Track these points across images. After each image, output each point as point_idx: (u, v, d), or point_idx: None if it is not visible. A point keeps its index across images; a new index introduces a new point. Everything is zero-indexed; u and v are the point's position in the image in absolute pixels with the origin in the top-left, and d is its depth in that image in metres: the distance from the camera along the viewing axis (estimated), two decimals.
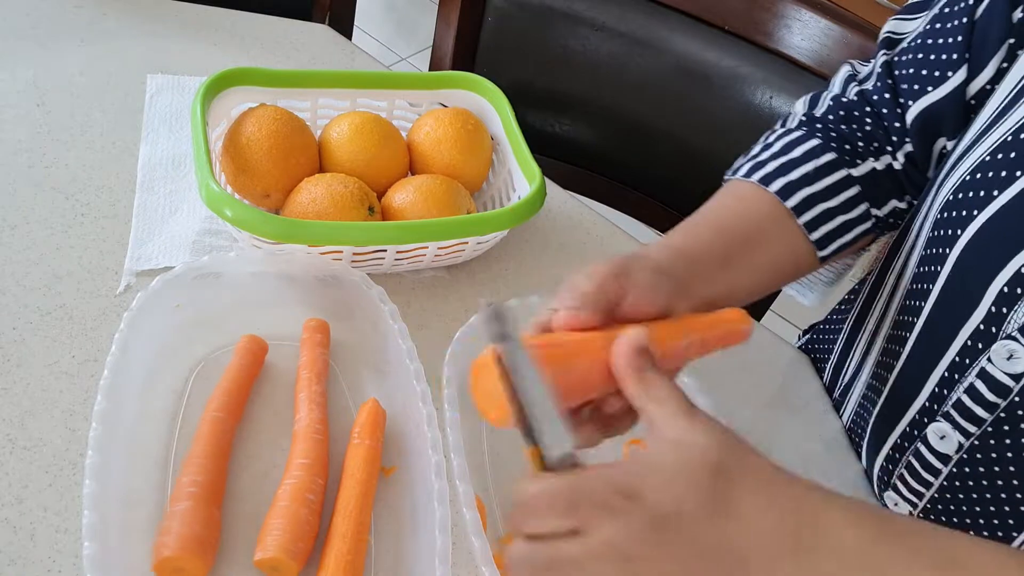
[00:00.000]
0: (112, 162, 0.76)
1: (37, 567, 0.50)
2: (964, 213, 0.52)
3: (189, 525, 0.50)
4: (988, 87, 0.57)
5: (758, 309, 1.04)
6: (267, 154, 0.70)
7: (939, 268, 0.54)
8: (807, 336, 0.83)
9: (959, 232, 0.52)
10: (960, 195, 0.52)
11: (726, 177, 0.64)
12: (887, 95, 0.61)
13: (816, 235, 0.60)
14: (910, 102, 0.60)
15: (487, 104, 0.82)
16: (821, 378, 0.76)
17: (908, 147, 0.62)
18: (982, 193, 0.50)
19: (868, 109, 0.63)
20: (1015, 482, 0.52)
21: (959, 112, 0.58)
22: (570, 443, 0.39)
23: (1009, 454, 0.51)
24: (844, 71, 0.67)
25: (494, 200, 0.82)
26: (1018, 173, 0.48)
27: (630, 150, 1.08)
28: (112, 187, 0.73)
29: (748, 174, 0.61)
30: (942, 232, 0.54)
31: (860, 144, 0.62)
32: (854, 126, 0.63)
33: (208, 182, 0.62)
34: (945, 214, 0.54)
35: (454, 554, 0.52)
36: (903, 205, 0.64)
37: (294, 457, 0.56)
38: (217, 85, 0.72)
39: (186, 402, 0.59)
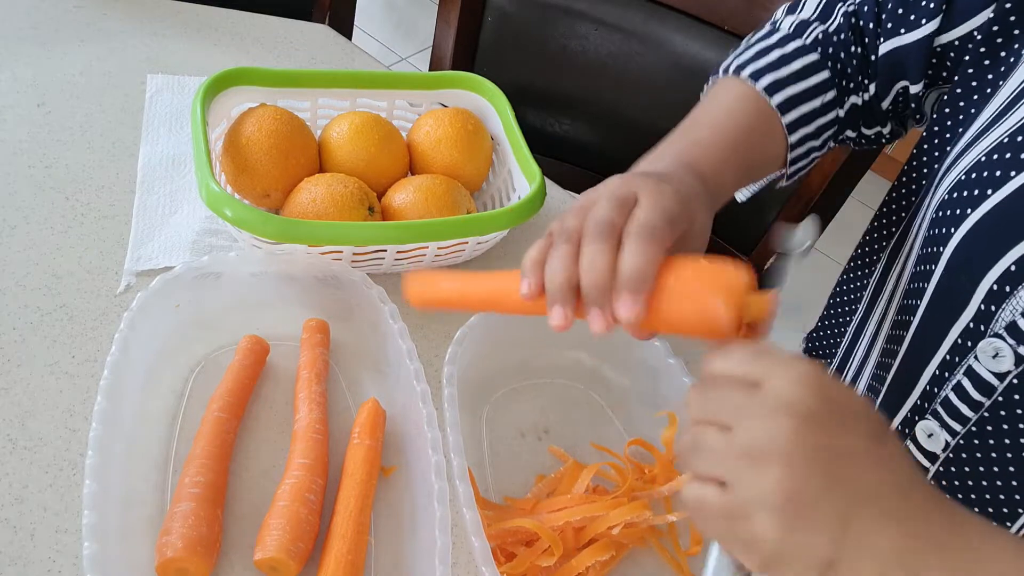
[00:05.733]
0: (112, 162, 0.76)
1: (37, 567, 0.50)
2: (958, 212, 0.52)
3: (192, 526, 0.50)
4: (956, 44, 0.58)
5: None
6: (267, 154, 0.70)
7: (933, 267, 0.55)
8: (806, 342, 0.83)
9: (952, 231, 0.52)
10: (955, 194, 0.53)
11: (719, 72, 0.66)
12: (871, 24, 0.63)
13: (794, 137, 0.62)
14: (882, 38, 0.62)
15: (487, 104, 0.82)
16: None
17: (876, 80, 0.64)
18: (976, 192, 0.51)
19: (857, 34, 0.65)
20: (999, 482, 0.52)
21: (923, 60, 0.60)
22: (795, 351, 0.40)
23: (993, 453, 0.52)
24: None
25: (494, 200, 0.82)
26: (1012, 173, 0.49)
27: (630, 150, 1.08)
28: (112, 187, 0.73)
29: (744, 73, 0.63)
30: (937, 231, 0.54)
31: (849, 69, 0.64)
32: (851, 49, 0.64)
33: (208, 182, 0.62)
34: (940, 213, 0.54)
35: (454, 554, 0.52)
36: (869, 132, 0.68)
37: (294, 457, 0.56)
38: (217, 85, 0.72)
39: (186, 402, 0.59)
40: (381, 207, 0.72)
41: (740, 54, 0.65)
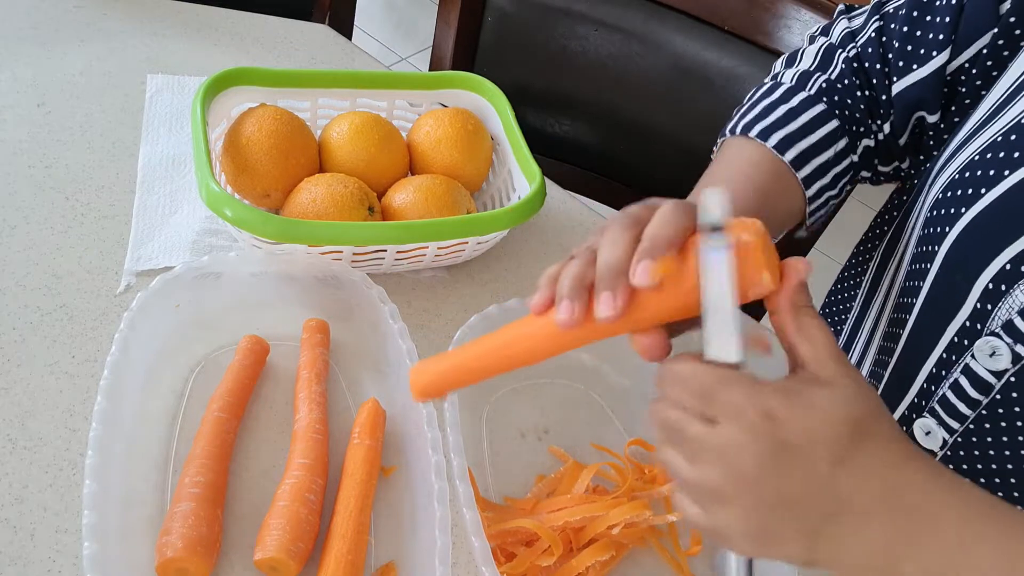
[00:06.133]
0: (112, 162, 0.76)
1: (37, 567, 0.50)
2: (952, 211, 0.52)
3: (193, 526, 0.50)
4: (967, 66, 0.58)
5: (759, 309, 1.04)
6: (267, 154, 0.70)
7: (929, 265, 0.55)
8: None
9: (947, 229, 0.52)
10: (949, 193, 0.53)
11: (727, 132, 0.65)
12: (878, 65, 0.63)
13: (811, 191, 0.62)
14: (894, 77, 0.62)
15: (487, 104, 0.82)
16: None
17: (891, 119, 0.64)
18: (970, 191, 0.51)
19: (862, 78, 0.64)
20: (996, 479, 0.52)
21: (939, 90, 0.60)
22: (735, 354, 0.38)
23: (991, 451, 0.52)
24: (841, 26, 0.67)
25: (494, 200, 0.82)
26: (1006, 172, 0.49)
27: (630, 150, 1.08)
28: (112, 187, 0.73)
29: (753, 132, 0.62)
30: (932, 230, 0.55)
31: (858, 114, 0.64)
32: (857, 94, 0.64)
33: (208, 182, 0.62)
34: (935, 212, 0.54)
35: (454, 554, 0.52)
36: (886, 169, 0.67)
37: (294, 457, 0.56)
38: (217, 85, 0.72)
39: (186, 402, 0.59)
40: (381, 207, 0.72)
41: (745, 113, 0.64)
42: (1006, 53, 0.56)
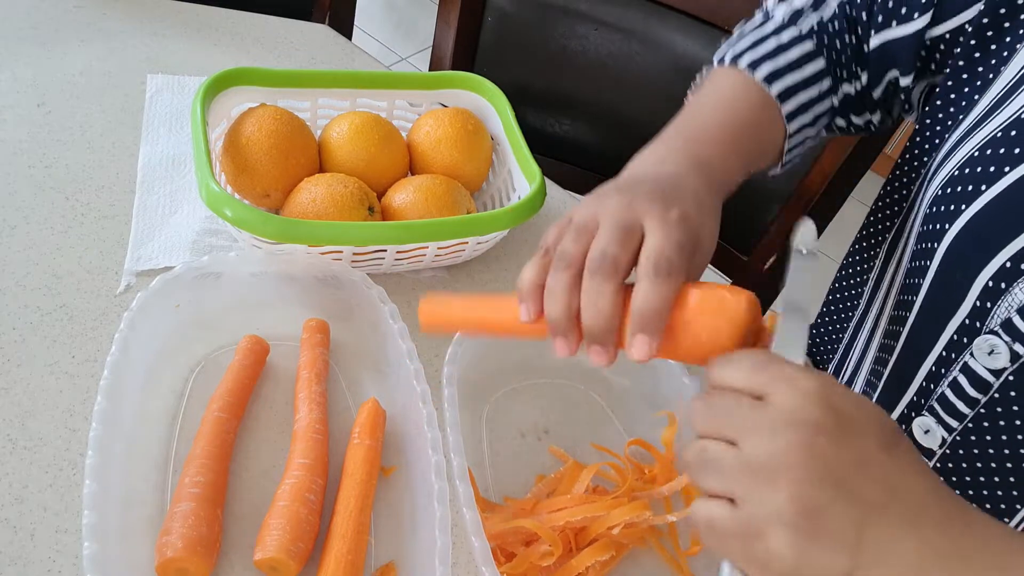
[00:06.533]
0: (112, 162, 0.76)
1: (37, 567, 0.50)
2: (952, 208, 0.52)
3: (192, 526, 0.50)
4: (948, 37, 0.58)
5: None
6: (267, 154, 0.70)
7: (928, 263, 0.55)
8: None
9: (947, 227, 0.52)
10: (948, 190, 0.53)
11: (715, 62, 0.65)
12: (863, 14, 0.63)
13: (792, 126, 0.62)
14: (872, 31, 0.62)
15: (487, 104, 0.82)
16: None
17: (867, 70, 0.64)
18: (970, 188, 0.51)
19: (851, 24, 0.64)
20: (996, 478, 0.52)
21: (914, 53, 0.60)
22: (801, 356, 0.39)
23: (990, 449, 0.52)
24: None
25: (494, 200, 0.82)
26: (1006, 168, 0.49)
27: (630, 150, 1.08)
28: (112, 187, 0.73)
29: (741, 63, 0.62)
30: (931, 227, 0.54)
31: (844, 58, 0.64)
32: (845, 38, 0.64)
33: (208, 182, 0.62)
34: (934, 208, 0.54)
35: (454, 554, 0.52)
36: (858, 121, 0.67)
37: (294, 457, 0.56)
38: (217, 85, 0.72)
39: (186, 402, 0.59)
40: (381, 207, 0.72)
41: (735, 43, 0.64)
42: (989, 33, 0.55)
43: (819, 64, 0.63)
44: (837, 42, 0.64)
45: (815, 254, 0.44)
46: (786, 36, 0.63)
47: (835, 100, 0.65)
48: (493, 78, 0.82)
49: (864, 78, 0.64)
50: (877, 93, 0.65)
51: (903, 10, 0.60)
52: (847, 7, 0.64)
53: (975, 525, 0.37)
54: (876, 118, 0.68)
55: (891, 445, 0.37)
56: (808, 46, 0.63)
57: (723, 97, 0.61)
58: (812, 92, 0.63)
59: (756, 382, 0.38)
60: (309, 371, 0.61)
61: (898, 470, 0.37)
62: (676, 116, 0.61)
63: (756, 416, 0.37)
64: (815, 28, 0.64)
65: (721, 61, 0.64)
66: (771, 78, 0.61)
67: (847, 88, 0.65)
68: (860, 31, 0.64)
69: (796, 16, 0.65)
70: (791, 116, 0.62)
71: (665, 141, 0.57)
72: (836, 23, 0.64)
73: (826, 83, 0.64)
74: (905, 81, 0.62)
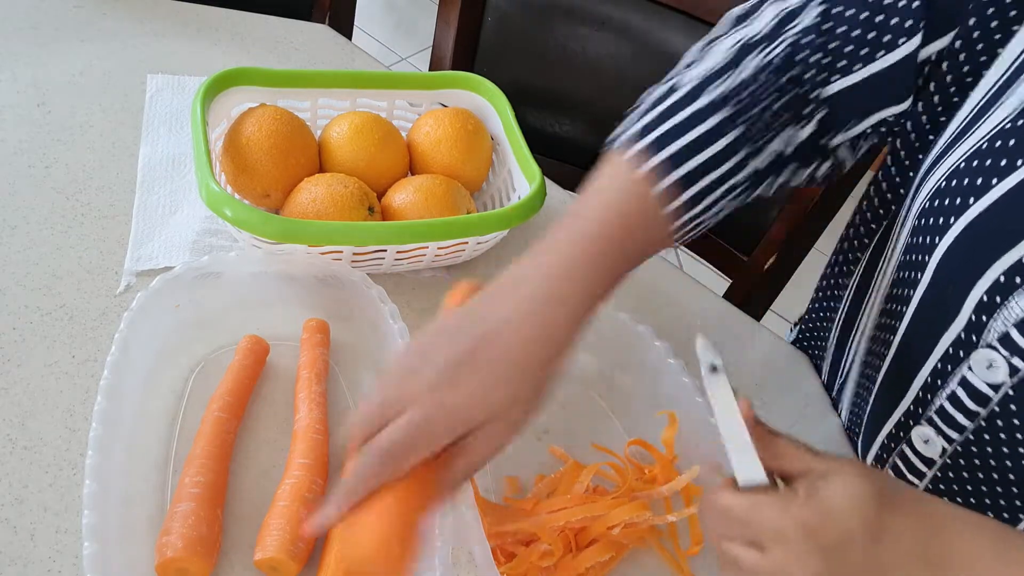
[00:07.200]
0: (112, 162, 0.76)
1: (37, 567, 0.50)
2: (941, 220, 0.51)
3: (192, 526, 0.50)
4: (944, 52, 0.53)
5: (758, 308, 1.04)
6: (267, 154, 0.70)
7: (919, 275, 0.54)
8: (798, 328, 0.84)
9: (937, 240, 0.51)
10: (936, 202, 0.52)
11: (615, 140, 0.58)
12: (820, 55, 0.53)
13: (693, 211, 0.54)
14: (855, 66, 0.53)
15: (487, 104, 0.82)
16: (819, 375, 0.77)
17: (821, 116, 0.55)
18: (958, 200, 0.50)
19: (793, 73, 0.54)
20: (998, 488, 0.52)
21: (910, 77, 0.53)
22: (761, 475, 0.43)
23: (992, 461, 0.52)
24: (773, 10, 0.56)
25: (494, 200, 0.82)
26: (993, 180, 0.48)
27: None
28: (112, 187, 0.73)
29: (639, 145, 0.55)
30: (920, 239, 0.54)
31: (770, 116, 0.54)
32: (779, 92, 0.54)
33: (208, 182, 0.62)
34: (923, 220, 0.53)
35: (454, 554, 0.52)
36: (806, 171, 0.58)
37: (294, 457, 0.56)
38: (217, 85, 0.72)
39: (186, 402, 0.59)
40: (381, 207, 0.72)
41: (635, 121, 0.57)
42: (980, 47, 0.52)
43: (734, 134, 0.53)
44: (764, 100, 0.54)
45: (723, 367, 0.46)
46: (693, 107, 0.54)
47: (759, 165, 0.55)
48: (493, 78, 0.82)
49: (811, 126, 0.55)
50: (839, 139, 0.56)
51: (886, 38, 0.53)
52: (790, 50, 0.54)
53: (972, 536, 0.41)
54: (827, 164, 0.58)
55: (878, 532, 0.40)
56: (720, 115, 0.53)
57: (610, 205, 0.56)
58: (723, 168, 0.53)
59: (751, 536, 0.42)
60: (309, 371, 0.61)
61: (889, 547, 0.41)
62: (566, 216, 0.55)
63: (760, 567, 0.42)
64: (740, 83, 0.54)
65: (620, 138, 0.57)
66: (673, 161, 0.53)
67: (774, 147, 0.55)
68: (807, 76, 0.54)
69: (714, 77, 0.55)
70: (694, 201, 0.54)
71: (537, 255, 0.53)
72: (773, 73, 0.54)
73: (743, 152, 0.54)
74: (898, 109, 0.55)
